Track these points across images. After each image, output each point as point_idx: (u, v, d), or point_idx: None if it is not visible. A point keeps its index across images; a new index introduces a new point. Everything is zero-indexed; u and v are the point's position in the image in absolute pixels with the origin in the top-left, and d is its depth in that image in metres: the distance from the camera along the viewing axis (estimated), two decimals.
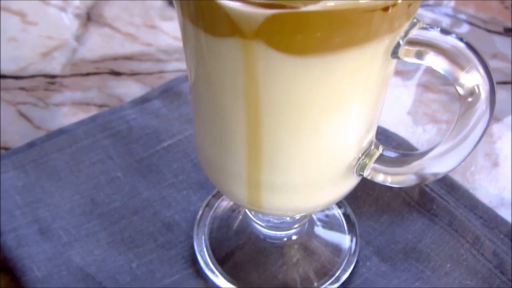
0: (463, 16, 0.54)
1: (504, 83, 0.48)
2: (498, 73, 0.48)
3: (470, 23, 0.53)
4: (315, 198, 0.28)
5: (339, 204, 0.37)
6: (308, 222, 0.36)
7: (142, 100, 0.43)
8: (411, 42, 0.23)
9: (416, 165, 0.26)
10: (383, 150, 0.28)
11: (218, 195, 0.38)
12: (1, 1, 0.54)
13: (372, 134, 0.28)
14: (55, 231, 0.35)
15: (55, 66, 0.49)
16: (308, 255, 0.35)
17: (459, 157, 0.25)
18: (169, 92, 0.44)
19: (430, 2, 0.55)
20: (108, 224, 0.36)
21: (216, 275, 0.34)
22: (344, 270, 0.34)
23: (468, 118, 0.23)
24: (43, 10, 0.54)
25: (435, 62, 0.23)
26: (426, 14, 0.54)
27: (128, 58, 0.49)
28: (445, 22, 0.53)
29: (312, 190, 0.28)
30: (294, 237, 0.35)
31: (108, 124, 0.41)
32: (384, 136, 0.40)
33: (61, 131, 0.41)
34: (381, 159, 0.28)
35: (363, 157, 0.28)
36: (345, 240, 0.36)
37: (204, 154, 0.29)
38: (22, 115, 0.44)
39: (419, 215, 0.36)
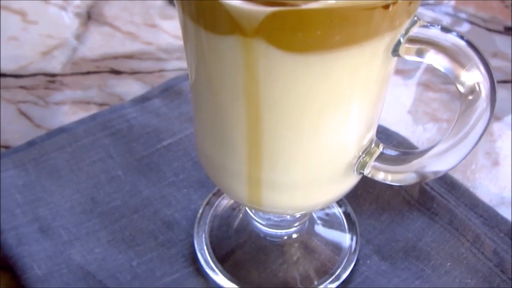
0: (463, 15, 0.54)
1: (505, 82, 0.48)
2: (498, 72, 0.48)
3: (471, 22, 0.53)
4: (316, 196, 0.28)
5: (340, 203, 0.37)
6: (308, 221, 0.36)
7: (143, 99, 0.43)
8: (412, 40, 0.23)
9: (416, 163, 0.26)
10: (383, 148, 0.28)
11: (218, 194, 0.38)
12: (2, 0, 0.54)
13: (372, 133, 0.28)
14: (55, 230, 0.35)
15: (55, 65, 0.49)
16: (309, 253, 0.35)
17: (460, 155, 0.25)
18: (169, 91, 0.44)
19: (431, 2, 0.55)
20: (108, 222, 0.36)
21: (217, 274, 0.34)
22: (344, 269, 0.34)
23: (468, 116, 0.23)
24: (43, 9, 0.54)
25: (436, 60, 0.23)
26: (426, 13, 0.54)
27: (129, 57, 0.49)
28: (446, 21, 0.53)
29: (313, 188, 0.28)
30: (294, 236, 0.35)
31: (109, 123, 0.41)
32: (384, 135, 0.40)
33: (62, 130, 0.41)
34: (382, 157, 0.28)
35: (364, 155, 0.28)
36: (345, 239, 0.36)
37: (205, 152, 0.29)
38: (23, 113, 0.44)
39: (420, 214, 0.36)
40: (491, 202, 0.38)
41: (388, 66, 0.24)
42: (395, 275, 0.34)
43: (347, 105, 0.24)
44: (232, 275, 0.34)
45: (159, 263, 0.34)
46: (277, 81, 0.23)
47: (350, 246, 0.35)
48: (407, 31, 0.23)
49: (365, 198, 0.37)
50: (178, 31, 0.28)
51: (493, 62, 0.49)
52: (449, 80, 0.48)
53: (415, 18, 0.23)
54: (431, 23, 0.23)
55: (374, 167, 0.28)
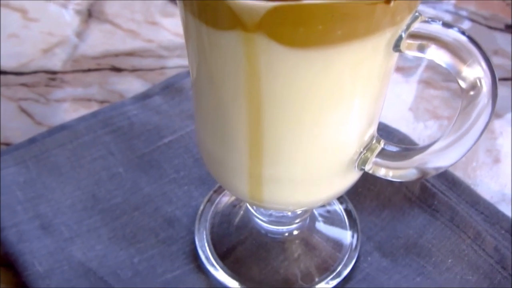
0: (464, 13, 0.54)
1: (505, 79, 0.48)
2: (499, 69, 0.48)
3: (471, 20, 0.53)
4: (317, 192, 0.28)
5: (341, 200, 0.37)
6: (309, 217, 0.36)
7: (143, 96, 0.43)
8: (413, 36, 0.23)
9: (417, 159, 0.26)
10: (384, 144, 0.28)
11: (219, 191, 0.38)
12: None
13: (373, 129, 0.28)
14: (56, 227, 0.35)
15: (56, 62, 0.49)
16: (310, 250, 0.35)
17: (461, 151, 0.25)
18: (170, 88, 0.44)
19: None
20: (109, 219, 0.36)
21: (217, 270, 0.34)
22: (346, 265, 0.34)
23: (470, 112, 0.23)
24: (44, 6, 0.54)
25: (437, 55, 0.23)
26: (427, 11, 0.54)
27: (129, 54, 0.49)
28: (446, 18, 0.53)
29: (314, 184, 0.28)
30: (295, 232, 0.35)
31: (109, 120, 0.41)
32: (385, 132, 0.40)
33: (62, 127, 0.41)
34: (383, 153, 0.28)
35: (365, 151, 0.28)
36: (346, 236, 0.36)
37: (206, 149, 0.29)
38: (23, 111, 0.44)
39: (420, 211, 0.36)
40: (492, 199, 0.38)
41: (389, 62, 0.24)
42: (396, 272, 0.34)
43: (348, 100, 0.24)
44: (233, 272, 0.34)
45: (160, 260, 0.34)
46: (278, 76, 0.23)
47: (351, 243, 0.35)
48: (408, 26, 0.23)
49: (366, 195, 0.37)
50: (179, 29, 0.28)
51: (494, 60, 0.48)
52: (450, 77, 0.48)
53: (417, 13, 0.23)
54: (433, 19, 0.23)
55: (375, 163, 0.28)
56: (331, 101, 0.24)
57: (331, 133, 0.26)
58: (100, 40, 0.51)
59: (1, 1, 0.54)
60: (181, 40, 0.50)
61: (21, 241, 0.34)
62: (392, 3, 0.21)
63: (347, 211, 0.37)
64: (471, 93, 0.23)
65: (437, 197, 0.36)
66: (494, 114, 0.24)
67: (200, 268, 0.34)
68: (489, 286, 0.33)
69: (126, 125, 0.41)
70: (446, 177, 0.37)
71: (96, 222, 0.36)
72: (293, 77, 0.22)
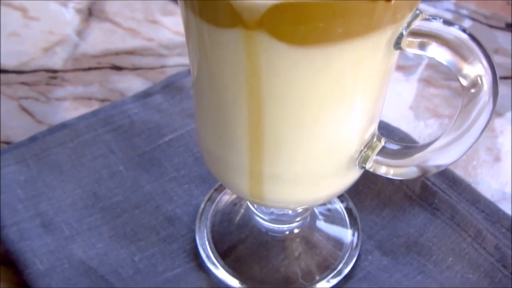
0: (465, 12, 0.54)
1: (506, 78, 0.48)
2: (499, 68, 0.48)
3: (472, 19, 0.53)
4: (317, 190, 0.28)
5: (341, 198, 0.37)
6: (310, 216, 0.36)
7: (144, 95, 0.43)
8: (414, 33, 0.23)
9: (418, 157, 0.26)
10: (385, 143, 0.28)
11: (220, 189, 0.38)
12: None
13: (374, 127, 0.28)
14: (57, 225, 0.36)
15: (56, 61, 0.49)
16: (310, 248, 0.35)
17: (462, 149, 0.25)
18: (170, 86, 0.44)
19: None
20: (110, 218, 0.36)
21: (218, 269, 0.34)
22: (346, 264, 0.34)
23: (471, 110, 0.23)
24: (44, 5, 0.54)
25: (438, 53, 0.23)
26: (427, 10, 0.54)
27: (130, 53, 0.49)
28: (447, 17, 0.53)
29: (314, 182, 0.28)
30: (296, 231, 0.35)
31: (110, 119, 0.41)
32: (386, 131, 0.40)
33: (63, 126, 0.41)
34: (384, 152, 0.28)
35: (366, 149, 0.28)
36: (347, 234, 0.36)
37: (207, 147, 0.29)
38: (24, 109, 0.45)
39: (421, 209, 0.36)
40: (492, 197, 0.38)
41: (390, 60, 0.24)
42: (396, 270, 0.34)
43: (349, 98, 0.24)
44: (233, 270, 0.34)
45: (161, 258, 0.34)
46: (279, 74, 0.23)
47: (352, 241, 0.35)
48: (409, 24, 0.23)
49: (366, 194, 0.37)
50: (179, 27, 0.28)
51: (495, 59, 0.49)
52: (450, 76, 0.48)
53: (417, 11, 0.23)
54: (433, 16, 0.23)
55: (376, 161, 0.28)
56: (332, 98, 0.24)
57: (331, 131, 0.26)
58: (100, 39, 0.51)
59: (2, 0, 0.54)
60: (181, 38, 0.50)
61: (22, 240, 0.34)
62: (392, 1, 0.21)
63: (348, 210, 0.37)
64: (472, 90, 0.23)
65: (438, 196, 0.36)
66: (495, 112, 0.24)
67: (201, 266, 0.34)
68: (489, 285, 0.33)
69: (127, 124, 0.41)
70: (446, 175, 0.37)
71: (96, 220, 0.36)
72: (294, 74, 0.22)
